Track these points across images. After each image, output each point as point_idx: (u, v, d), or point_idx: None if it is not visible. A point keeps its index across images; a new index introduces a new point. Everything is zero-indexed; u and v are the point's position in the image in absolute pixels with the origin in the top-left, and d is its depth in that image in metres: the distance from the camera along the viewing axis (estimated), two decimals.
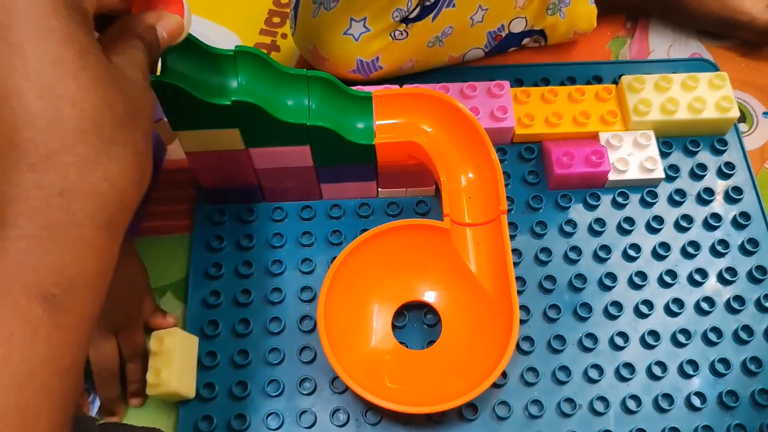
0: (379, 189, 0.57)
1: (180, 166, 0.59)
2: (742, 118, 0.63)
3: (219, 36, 0.68)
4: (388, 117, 0.51)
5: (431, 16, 0.58)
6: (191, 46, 0.46)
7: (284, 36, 0.68)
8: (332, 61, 0.59)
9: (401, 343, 0.51)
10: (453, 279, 0.50)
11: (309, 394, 0.50)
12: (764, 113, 0.63)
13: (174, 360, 0.47)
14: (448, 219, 0.49)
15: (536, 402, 0.50)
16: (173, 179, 0.58)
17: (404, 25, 0.58)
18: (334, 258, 0.54)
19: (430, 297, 0.51)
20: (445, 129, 0.52)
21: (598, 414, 0.49)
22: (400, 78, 0.62)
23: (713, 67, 0.65)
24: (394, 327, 0.51)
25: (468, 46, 0.62)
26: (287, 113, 0.48)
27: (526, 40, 0.65)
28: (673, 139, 0.60)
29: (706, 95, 0.59)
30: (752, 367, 0.51)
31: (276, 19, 0.69)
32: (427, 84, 0.60)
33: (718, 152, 0.60)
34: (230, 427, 0.49)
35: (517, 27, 0.62)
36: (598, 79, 0.63)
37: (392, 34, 0.58)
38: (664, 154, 0.59)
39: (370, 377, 0.47)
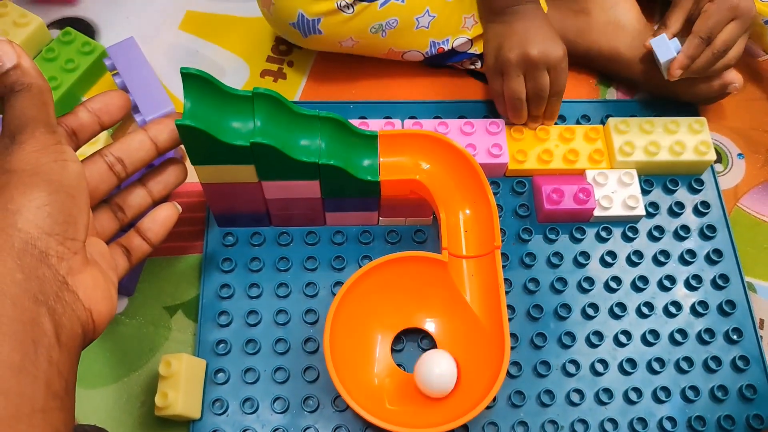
0: (380, 218, 0.60)
1: (191, 190, 0.62)
2: (719, 159, 0.68)
3: (227, 62, 0.71)
4: (393, 155, 0.55)
5: (379, 2, 0.62)
6: (211, 87, 0.49)
7: (291, 63, 0.71)
8: (276, 6, 0.63)
9: (399, 365, 0.54)
10: (449, 308, 0.54)
11: (312, 412, 0.53)
12: (739, 155, 0.68)
13: (180, 383, 0.50)
14: (446, 252, 0.53)
15: (522, 423, 0.54)
16: (185, 202, 0.61)
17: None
18: (337, 282, 0.58)
19: (427, 324, 0.55)
20: (445, 168, 0.55)
21: None
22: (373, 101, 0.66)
23: (694, 110, 0.69)
24: (392, 351, 0.55)
25: (409, 46, 0.66)
26: (300, 152, 0.51)
27: (464, 61, 0.69)
28: (654, 178, 0.64)
29: (686, 139, 0.63)
30: (719, 395, 0.55)
31: (283, 47, 0.72)
32: (425, 120, 0.64)
33: (695, 191, 0.64)
34: None
35: (462, 47, 0.67)
36: (587, 118, 0.68)
37: (338, 4, 0.62)
38: (645, 191, 0.64)
39: (371, 399, 0.51)
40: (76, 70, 0.65)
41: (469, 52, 0.67)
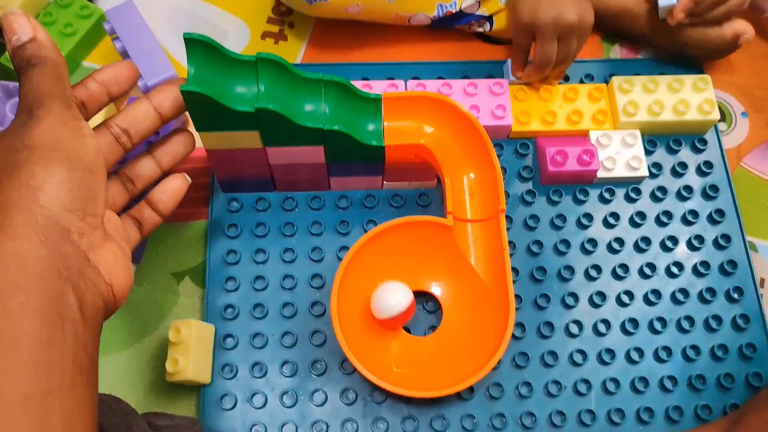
0: (384, 182, 0.60)
1: (196, 155, 0.62)
2: (722, 118, 0.67)
3: (228, 24, 0.70)
4: (397, 119, 0.55)
5: None
6: (214, 52, 0.48)
7: (291, 25, 0.70)
8: None
9: (405, 329, 0.55)
10: (454, 271, 0.55)
11: (320, 375, 0.54)
12: (743, 114, 0.68)
13: (190, 349, 0.51)
14: (451, 216, 0.53)
15: (526, 384, 0.55)
16: (189, 168, 0.61)
17: None
18: (342, 247, 0.59)
19: (432, 287, 0.56)
20: (450, 131, 0.55)
21: (581, 395, 0.55)
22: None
23: (698, 67, 0.68)
24: None
25: (416, 10, 0.65)
26: (305, 118, 0.51)
27: (472, 22, 0.68)
28: (658, 138, 0.64)
29: (690, 98, 0.63)
30: (719, 353, 0.56)
31: (283, 8, 0.71)
32: (428, 80, 0.63)
33: (699, 151, 0.64)
34: (249, 405, 0.53)
35: (470, 8, 0.66)
36: (590, 77, 0.67)
37: None
38: (648, 152, 0.64)
39: (378, 362, 0.52)
40: (75, 35, 0.65)
41: (477, 13, 0.66)
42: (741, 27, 0.64)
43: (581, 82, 0.67)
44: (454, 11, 0.65)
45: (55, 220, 0.34)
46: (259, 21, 0.70)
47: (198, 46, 0.48)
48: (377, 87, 0.63)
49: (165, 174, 0.49)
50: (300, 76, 0.51)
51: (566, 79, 0.67)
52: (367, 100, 0.54)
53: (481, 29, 0.68)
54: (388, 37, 0.70)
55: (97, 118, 0.56)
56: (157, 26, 0.69)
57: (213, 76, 0.49)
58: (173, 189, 0.48)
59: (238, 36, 0.69)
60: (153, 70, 0.61)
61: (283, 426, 0.53)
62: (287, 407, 0.53)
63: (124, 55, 0.62)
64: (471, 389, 0.54)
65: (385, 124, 0.54)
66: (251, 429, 0.53)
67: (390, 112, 0.54)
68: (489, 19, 0.67)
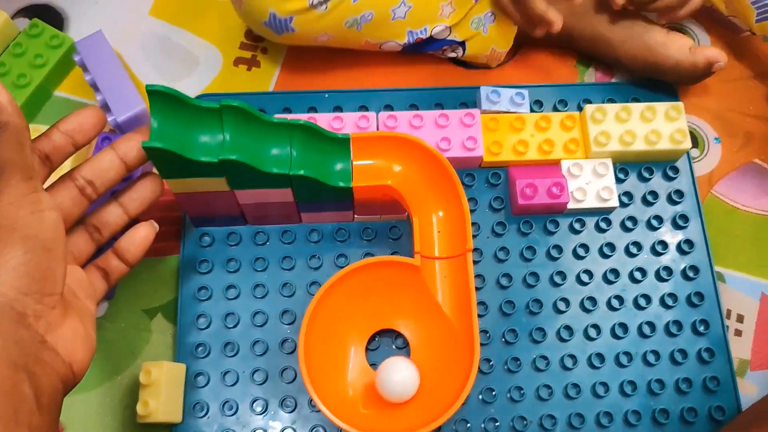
0: (355, 216, 0.61)
1: (167, 188, 0.62)
2: (695, 144, 0.68)
3: (200, 49, 0.69)
4: (365, 158, 0.55)
5: None
6: (178, 102, 0.48)
7: (264, 50, 0.70)
8: (246, 5, 0.61)
9: (372, 364, 0.56)
10: (421, 309, 0.55)
11: (290, 412, 0.55)
12: (716, 139, 0.68)
13: (161, 391, 0.52)
14: (419, 256, 0.54)
15: (492, 419, 0.56)
16: (161, 201, 0.61)
17: None
18: (313, 282, 0.59)
19: (400, 325, 0.56)
20: (418, 170, 0.55)
21: (547, 430, 0.56)
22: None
23: (673, 91, 0.68)
24: (367, 350, 0.56)
25: (386, 38, 0.65)
26: (270, 164, 0.51)
27: (445, 48, 0.68)
28: (630, 165, 0.65)
29: (662, 128, 0.63)
30: (683, 387, 0.57)
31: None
32: (400, 111, 0.63)
33: (670, 179, 0.64)
34: None
35: (440, 34, 0.66)
36: (564, 103, 0.67)
37: (311, 2, 0.60)
38: (619, 180, 0.64)
39: (344, 403, 0.52)
40: (46, 65, 0.64)
41: (448, 39, 0.66)
42: (714, 55, 0.64)
43: (554, 107, 0.67)
44: (424, 38, 0.65)
45: (11, 305, 0.34)
46: (232, 46, 0.69)
47: (161, 97, 0.48)
48: (349, 119, 0.63)
49: (132, 220, 0.50)
50: (266, 121, 0.51)
51: (539, 104, 0.67)
52: (335, 141, 0.54)
53: (453, 54, 0.68)
54: (360, 62, 0.69)
55: (66, 164, 0.56)
56: (129, 52, 0.69)
57: (176, 127, 0.49)
58: (141, 238, 0.49)
59: (209, 63, 0.69)
60: (123, 104, 0.61)
61: None
62: None
63: (94, 87, 0.62)
64: (438, 428, 0.55)
65: (354, 163, 0.55)
66: None
67: (358, 151, 0.55)
68: (462, 44, 0.67)
